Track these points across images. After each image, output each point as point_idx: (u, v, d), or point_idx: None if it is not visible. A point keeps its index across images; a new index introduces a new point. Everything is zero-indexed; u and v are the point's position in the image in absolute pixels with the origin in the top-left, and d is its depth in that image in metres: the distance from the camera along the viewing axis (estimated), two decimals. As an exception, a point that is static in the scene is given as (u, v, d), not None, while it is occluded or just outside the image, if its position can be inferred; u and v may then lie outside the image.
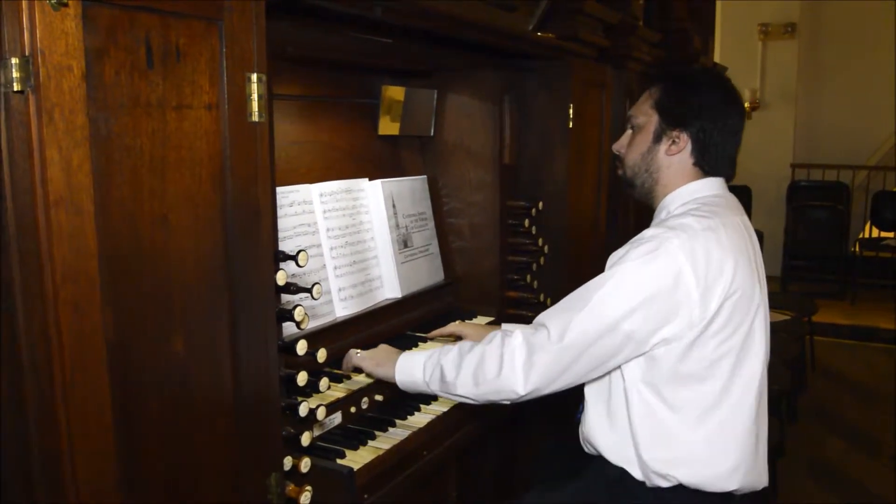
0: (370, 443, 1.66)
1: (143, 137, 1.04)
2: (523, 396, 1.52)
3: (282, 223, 1.78)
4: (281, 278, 1.35)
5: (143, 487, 1.09)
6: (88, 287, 0.96)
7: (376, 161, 2.33)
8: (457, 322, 2.01)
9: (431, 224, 2.43)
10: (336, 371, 1.83)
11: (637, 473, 1.58)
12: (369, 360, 1.74)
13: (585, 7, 2.54)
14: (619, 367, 1.55)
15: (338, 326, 1.94)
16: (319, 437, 1.63)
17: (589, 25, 2.65)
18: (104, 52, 0.97)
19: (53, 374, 0.94)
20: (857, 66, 7.29)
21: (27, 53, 0.88)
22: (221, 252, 1.19)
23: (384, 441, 1.66)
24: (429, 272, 2.37)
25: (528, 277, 2.54)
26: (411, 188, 2.35)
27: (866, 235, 7.25)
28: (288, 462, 1.37)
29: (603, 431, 1.63)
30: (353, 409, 1.75)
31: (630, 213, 3.25)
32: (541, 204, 2.54)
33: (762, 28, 7.38)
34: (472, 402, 1.60)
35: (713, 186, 1.66)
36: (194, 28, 1.10)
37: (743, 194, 7.29)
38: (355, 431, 1.70)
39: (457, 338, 1.99)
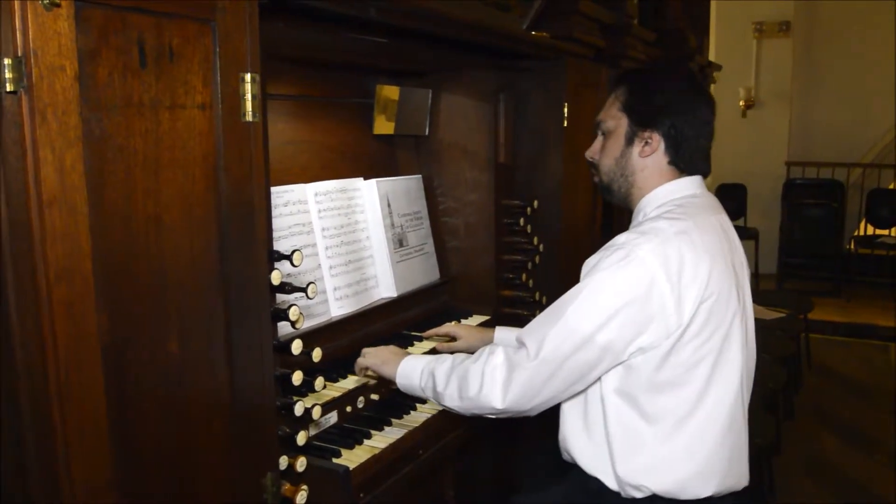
0: (366, 442, 1.66)
1: (136, 137, 1.04)
2: (503, 412, 1.52)
3: (277, 223, 1.78)
4: (276, 278, 1.35)
5: (138, 487, 1.09)
6: (82, 287, 0.96)
7: (371, 160, 2.33)
8: (452, 323, 2.01)
9: (427, 223, 2.43)
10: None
11: (612, 485, 1.56)
12: (376, 358, 1.74)
13: (580, 6, 2.54)
14: (599, 378, 1.53)
15: (333, 326, 1.94)
16: (315, 437, 1.63)
17: (584, 25, 2.65)
18: (97, 53, 0.97)
19: (48, 375, 0.94)
20: (851, 65, 7.31)
21: (20, 54, 0.88)
22: (216, 252, 1.19)
23: (380, 440, 1.67)
24: (424, 271, 2.37)
25: (524, 276, 2.54)
26: (406, 188, 2.35)
27: (861, 233, 7.28)
28: (284, 461, 1.38)
29: (580, 442, 1.61)
30: (348, 409, 1.76)
31: (625, 210, 3.25)
32: (536, 203, 2.55)
33: (757, 27, 7.39)
34: (460, 412, 1.61)
35: (689, 186, 1.62)
36: (187, 28, 1.11)
37: (738, 192, 7.33)
38: (351, 430, 1.70)
39: (452, 338, 2.00)
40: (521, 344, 1.53)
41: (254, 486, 1.30)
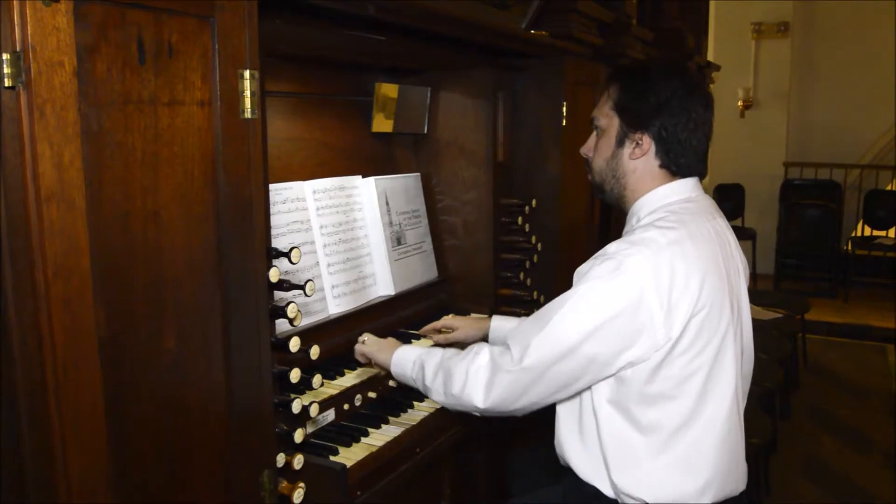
0: (363, 440, 1.66)
1: (134, 133, 1.04)
2: (485, 412, 1.52)
3: (275, 220, 1.78)
4: (274, 275, 1.35)
5: (135, 484, 1.08)
6: (80, 283, 0.96)
7: (370, 158, 2.33)
8: (450, 315, 2.00)
9: (425, 221, 2.43)
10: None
11: (608, 492, 1.54)
12: (373, 345, 1.76)
13: (579, 5, 2.54)
14: (588, 387, 1.51)
15: (331, 323, 1.94)
16: (313, 434, 1.63)
17: (583, 24, 2.65)
18: (96, 48, 0.97)
19: (45, 371, 0.94)
20: (849, 65, 7.31)
21: (18, 49, 0.88)
22: (214, 249, 1.19)
23: (377, 438, 1.67)
24: (422, 270, 2.37)
25: (522, 275, 2.54)
26: (405, 186, 2.35)
27: (859, 234, 7.29)
28: (281, 459, 1.37)
29: (575, 448, 1.59)
30: (346, 406, 1.76)
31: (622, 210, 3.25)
32: (534, 201, 2.55)
33: (755, 27, 7.40)
34: (447, 407, 1.62)
35: (683, 189, 1.57)
36: (187, 25, 1.10)
37: (735, 193, 7.34)
38: (349, 428, 1.70)
39: (450, 329, 2.01)
40: (507, 347, 1.52)
41: (251, 484, 1.30)
